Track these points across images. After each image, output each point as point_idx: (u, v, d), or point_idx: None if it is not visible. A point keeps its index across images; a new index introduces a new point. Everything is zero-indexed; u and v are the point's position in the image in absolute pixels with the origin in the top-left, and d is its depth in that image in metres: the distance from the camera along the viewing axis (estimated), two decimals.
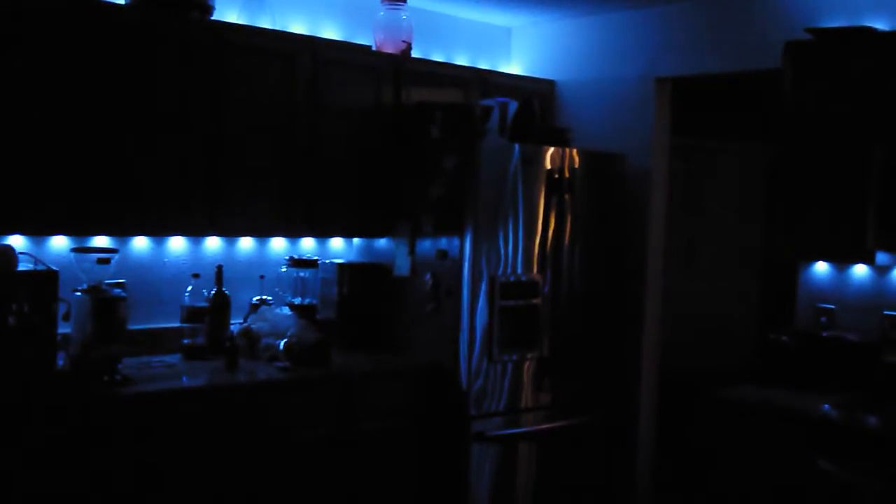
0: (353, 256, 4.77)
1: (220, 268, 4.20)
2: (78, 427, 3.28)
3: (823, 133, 3.98)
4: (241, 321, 4.25)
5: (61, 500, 3.25)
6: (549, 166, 4.40)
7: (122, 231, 3.92)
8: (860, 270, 4.17)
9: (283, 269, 4.47)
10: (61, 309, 3.50)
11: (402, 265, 4.45)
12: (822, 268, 4.30)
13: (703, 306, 6.06)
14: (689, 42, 4.70)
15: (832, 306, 4.20)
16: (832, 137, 3.95)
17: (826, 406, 3.71)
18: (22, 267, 3.46)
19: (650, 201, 4.85)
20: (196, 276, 4.14)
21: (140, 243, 4.13)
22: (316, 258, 4.53)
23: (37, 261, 3.54)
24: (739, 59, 4.50)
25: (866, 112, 3.85)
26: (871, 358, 3.95)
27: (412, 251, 4.40)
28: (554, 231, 4.43)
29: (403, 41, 4.70)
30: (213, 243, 4.35)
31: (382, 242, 4.59)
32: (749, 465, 3.94)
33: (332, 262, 4.57)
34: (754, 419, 3.94)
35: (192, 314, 4.09)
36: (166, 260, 4.22)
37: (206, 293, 4.15)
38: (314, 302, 4.50)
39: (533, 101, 4.62)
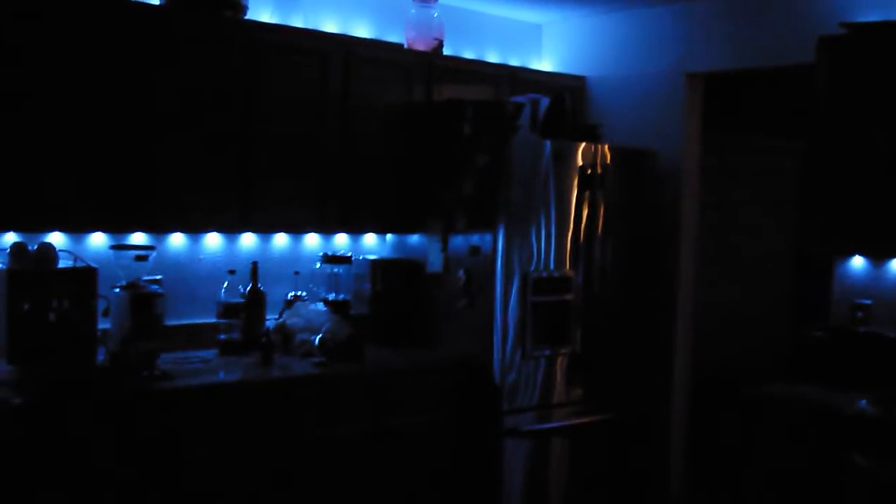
0: (386, 252, 4.80)
1: (255, 264, 4.24)
2: (118, 421, 3.33)
3: (858, 128, 3.96)
4: (276, 317, 4.29)
5: (101, 493, 3.30)
6: (580, 162, 4.40)
7: (159, 228, 3.97)
8: None
9: (318, 266, 4.50)
10: (100, 305, 3.57)
11: (435, 261, 4.47)
12: (858, 263, 4.27)
13: (736, 302, 6.02)
14: (721, 37, 4.68)
15: (869, 301, 4.16)
16: (867, 132, 3.93)
17: (863, 402, 3.69)
18: (62, 264, 3.52)
19: (682, 197, 4.84)
20: (232, 272, 4.19)
21: (176, 240, 4.18)
22: (349, 254, 4.56)
23: (76, 258, 3.60)
24: (771, 54, 4.48)
25: None
26: None
27: (445, 247, 4.42)
28: (586, 227, 4.43)
29: (434, 39, 4.72)
30: (247, 240, 4.39)
31: (415, 239, 4.61)
32: (783, 462, 3.93)
33: (365, 259, 4.60)
34: (788, 416, 3.92)
35: (227, 310, 4.14)
36: (202, 257, 4.26)
37: (241, 289, 4.19)
38: (348, 298, 4.53)
39: (564, 97, 4.62)
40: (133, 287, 3.67)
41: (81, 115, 3.57)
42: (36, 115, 3.48)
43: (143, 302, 3.65)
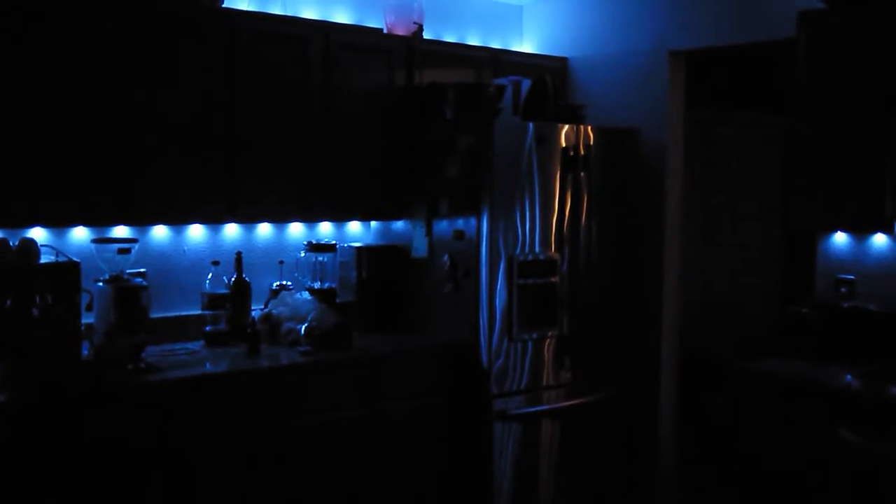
0: (370, 239, 4.79)
1: (239, 254, 4.23)
2: (104, 415, 3.33)
3: (840, 102, 3.96)
4: (262, 307, 4.29)
5: (90, 489, 3.29)
6: (563, 144, 4.39)
7: (142, 220, 3.95)
8: (879, 240, 4.15)
9: (302, 254, 4.49)
10: (84, 300, 3.54)
11: (420, 247, 4.46)
12: (840, 238, 4.28)
13: (722, 280, 6.03)
14: (702, 14, 4.65)
15: (852, 277, 4.18)
16: (849, 106, 3.93)
17: (849, 377, 3.71)
18: (44, 259, 3.51)
19: (666, 175, 4.83)
20: (216, 263, 4.18)
21: (159, 232, 4.16)
22: (334, 242, 4.55)
23: (58, 253, 3.58)
24: (753, 30, 4.46)
25: (883, 80, 3.82)
26: (893, 328, 3.94)
27: (429, 232, 4.41)
28: (570, 209, 4.43)
29: (415, 22, 4.69)
30: (231, 230, 4.38)
31: (399, 225, 4.61)
32: (771, 438, 3.95)
33: (350, 246, 4.59)
34: (775, 391, 3.94)
35: (212, 301, 4.12)
36: (186, 248, 4.25)
37: (226, 280, 4.18)
38: (333, 286, 4.52)
39: (546, 79, 4.61)
40: (116, 280, 3.66)
41: (60, 109, 3.54)
42: (14, 111, 3.45)
43: (126, 295, 3.64)
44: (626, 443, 4.80)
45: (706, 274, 5.87)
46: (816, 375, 3.84)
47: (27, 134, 3.48)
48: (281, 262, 4.45)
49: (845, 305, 4.10)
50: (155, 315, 3.93)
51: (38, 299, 3.37)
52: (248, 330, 4.00)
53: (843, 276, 4.21)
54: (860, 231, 4.16)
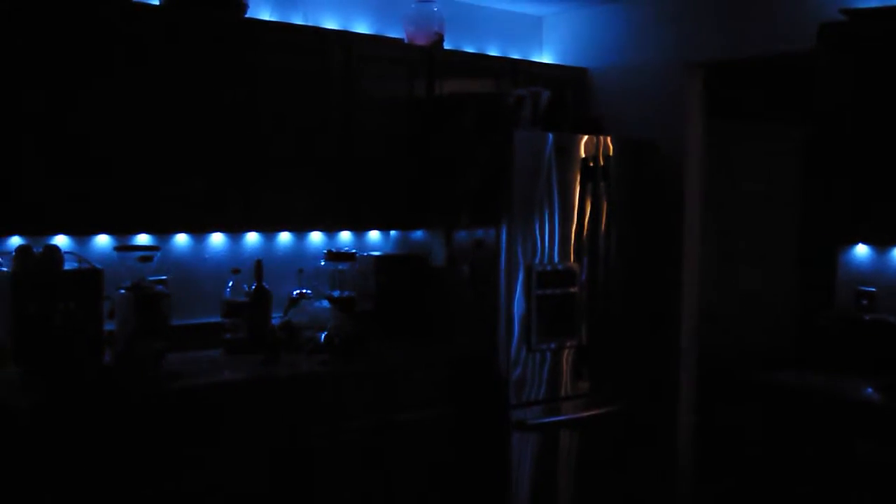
0: (389, 248, 4.81)
1: (259, 262, 4.25)
2: (125, 422, 3.35)
3: (859, 114, 3.95)
4: (282, 315, 4.30)
5: (109, 494, 3.31)
6: (583, 154, 4.40)
7: (163, 229, 3.98)
8: None
9: (322, 263, 4.51)
10: (106, 306, 3.58)
11: (439, 256, 4.47)
12: (861, 250, 4.26)
13: (741, 291, 6.02)
14: (721, 26, 4.66)
15: (873, 289, 4.16)
16: (868, 119, 3.92)
17: (869, 389, 3.70)
18: (67, 266, 3.54)
19: (685, 186, 4.83)
20: (236, 271, 4.20)
21: (181, 240, 4.19)
22: (353, 251, 4.55)
23: (81, 260, 3.62)
24: (772, 42, 4.46)
25: None
26: None
27: (449, 242, 4.43)
28: (590, 219, 4.43)
29: (435, 33, 4.72)
30: (251, 238, 4.40)
31: (419, 234, 4.62)
32: (789, 450, 3.93)
33: (369, 255, 4.61)
34: (794, 403, 3.92)
35: (232, 309, 4.15)
36: (207, 256, 4.28)
37: (246, 288, 4.20)
38: (352, 294, 4.52)
39: (565, 90, 4.62)
40: (138, 288, 3.69)
41: (82, 119, 3.58)
42: (35, 122, 3.49)
43: (148, 302, 3.67)
44: (644, 454, 4.78)
45: (725, 285, 5.86)
46: (836, 387, 3.83)
47: (49, 143, 3.52)
48: (300, 271, 4.46)
49: (866, 318, 4.08)
50: (175, 322, 3.95)
51: (61, 306, 3.41)
52: (268, 338, 4.01)
53: (864, 288, 4.19)
54: (881, 243, 4.14)
